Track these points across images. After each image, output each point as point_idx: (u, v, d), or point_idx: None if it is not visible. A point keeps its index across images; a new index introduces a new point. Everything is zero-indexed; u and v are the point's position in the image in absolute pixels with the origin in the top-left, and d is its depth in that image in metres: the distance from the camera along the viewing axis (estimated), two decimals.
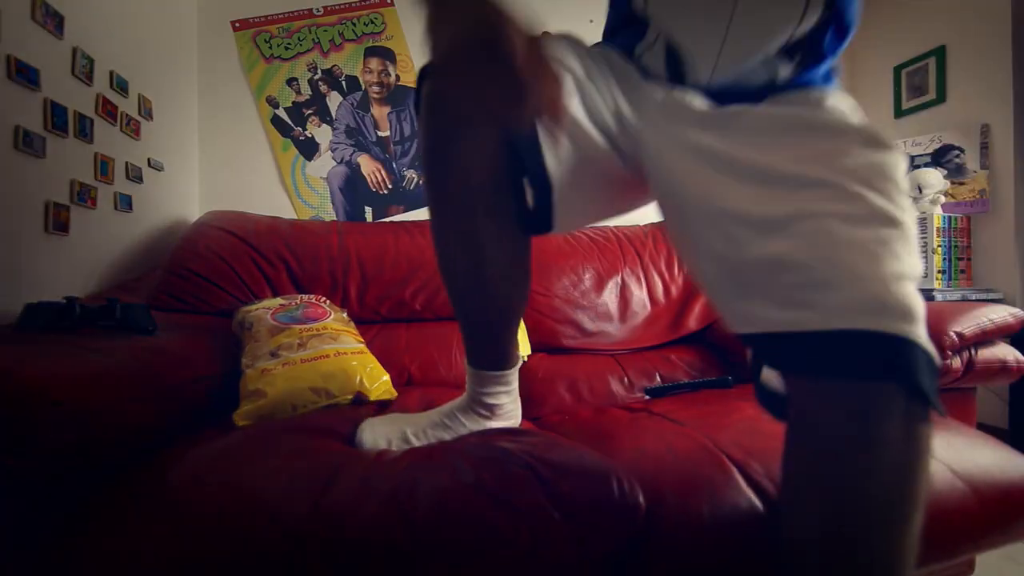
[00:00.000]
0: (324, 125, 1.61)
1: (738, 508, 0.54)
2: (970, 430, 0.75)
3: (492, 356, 0.64)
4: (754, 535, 0.52)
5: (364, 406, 0.82)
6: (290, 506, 0.47)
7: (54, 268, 0.95)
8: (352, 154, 1.64)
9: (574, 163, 0.51)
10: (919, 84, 2.02)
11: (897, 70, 2.10)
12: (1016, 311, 0.91)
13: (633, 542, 0.50)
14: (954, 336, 0.83)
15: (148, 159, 1.25)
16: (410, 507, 0.47)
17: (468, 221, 0.53)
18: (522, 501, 0.49)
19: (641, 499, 0.52)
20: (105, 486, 0.53)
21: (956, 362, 0.84)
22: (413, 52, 1.69)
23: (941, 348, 0.83)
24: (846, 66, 2.28)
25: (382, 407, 0.83)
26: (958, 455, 0.66)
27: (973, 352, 0.86)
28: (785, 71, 0.53)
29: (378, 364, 0.91)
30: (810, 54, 0.53)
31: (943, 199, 1.82)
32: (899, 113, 2.10)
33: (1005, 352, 0.89)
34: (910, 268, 0.39)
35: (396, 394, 0.90)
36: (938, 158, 1.92)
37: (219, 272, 1.11)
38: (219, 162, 1.53)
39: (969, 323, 0.85)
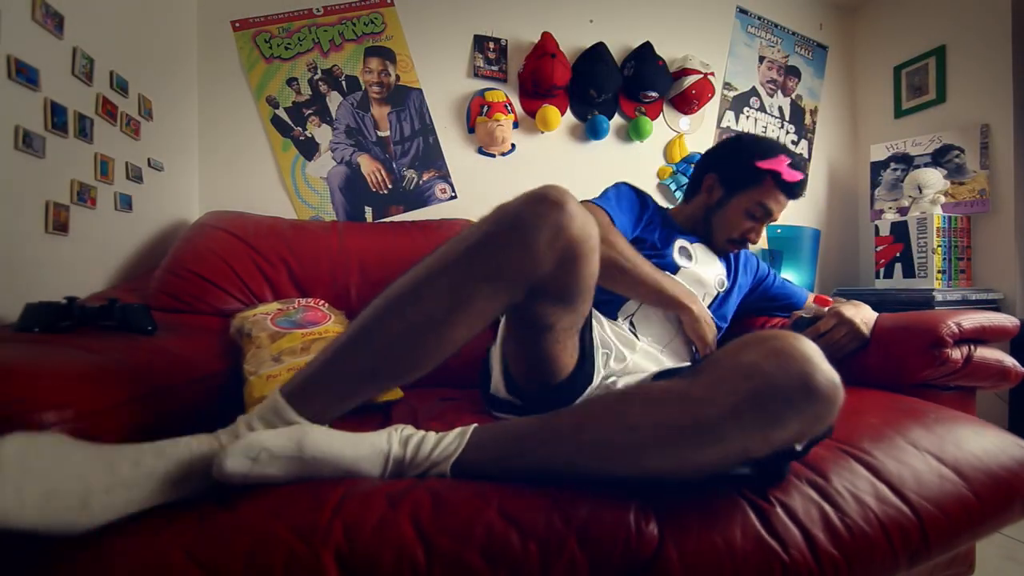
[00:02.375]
0: (324, 125, 1.61)
1: (753, 547, 0.51)
2: (957, 414, 0.75)
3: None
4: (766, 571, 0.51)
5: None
6: (308, 516, 0.47)
7: (54, 268, 0.95)
8: (352, 154, 1.64)
9: None
10: (919, 84, 2.02)
11: (897, 70, 2.11)
12: (1012, 318, 0.93)
13: (644, 572, 0.49)
14: (953, 326, 0.85)
15: (148, 159, 1.25)
16: (426, 523, 0.47)
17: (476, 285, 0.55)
18: (536, 523, 0.48)
19: (655, 530, 0.50)
20: None
21: (956, 353, 0.85)
22: (413, 52, 1.69)
23: (941, 337, 0.84)
24: (846, 66, 2.29)
25: (387, 407, 0.83)
26: (947, 443, 0.67)
27: (972, 348, 0.87)
28: None
29: None
30: None
31: (943, 199, 1.82)
32: (899, 113, 2.11)
33: (1003, 356, 0.91)
34: None
35: (402, 394, 0.89)
36: (938, 158, 1.92)
37: (219, 272, 1.11)
38: (219, 162, 1.53)
39: (968, 318, 0.87)
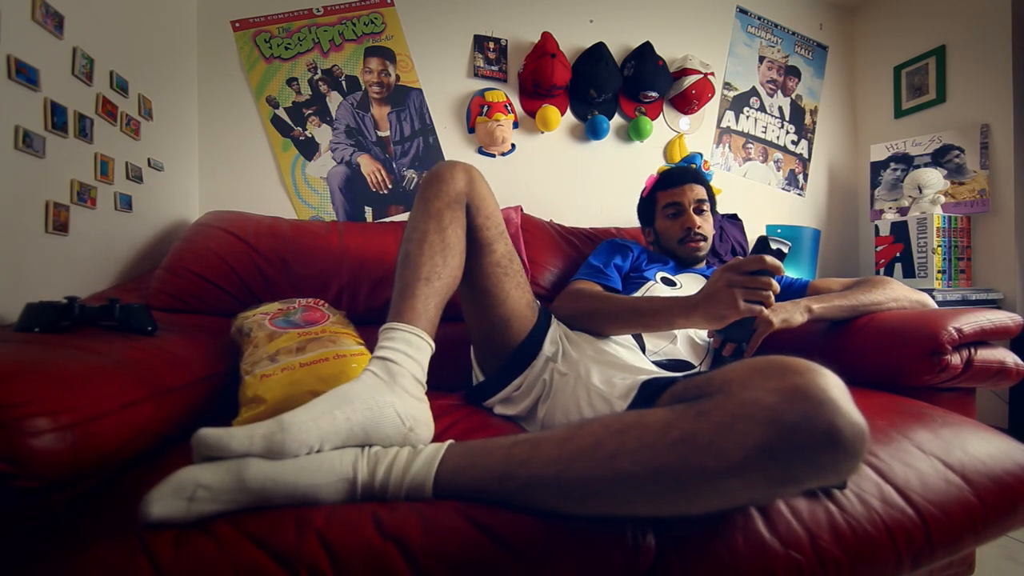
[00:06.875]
0: (324, 125, 1.61)
1: (756, 552, 0.51)
2: (962, 419, 0.75)
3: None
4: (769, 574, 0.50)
5: None
6: (293, 544, 0.46)
7: (54, 268, 0.94)
8: (352, 154, 1.64)
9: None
10: (919, 84, 2.02)
11: (897, 70, 2.11)
12: (1015, 316, 0.92)
13: None
14: (953, 331, 0.84)
15: (148, 159, 1.25)
16: (418, 550, 0.46)
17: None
18: (530, 544, 0.48)
19: (652, 542, 0.50)
20: (103, 502, 0.52)
21: (956, 359, 0.84)
22: (413, 52, 1.69)
23: (940, 344, 0.83)
24: (846, 66, 2.29)
25: None
26: (953, 448, 0.66)
27: (972, 351, 0.87)
28: None
29: None
30: None
31: (943, 199, 1.82)
32: (899, 113, 2.11)
33: (1004, 354, 0.90)
34: None
35: None
36: (938, 158, 1.92)
37: (219, 272, 1.11)
38: (219, 162, 1.53)
39: (968, 321, 0.87)
